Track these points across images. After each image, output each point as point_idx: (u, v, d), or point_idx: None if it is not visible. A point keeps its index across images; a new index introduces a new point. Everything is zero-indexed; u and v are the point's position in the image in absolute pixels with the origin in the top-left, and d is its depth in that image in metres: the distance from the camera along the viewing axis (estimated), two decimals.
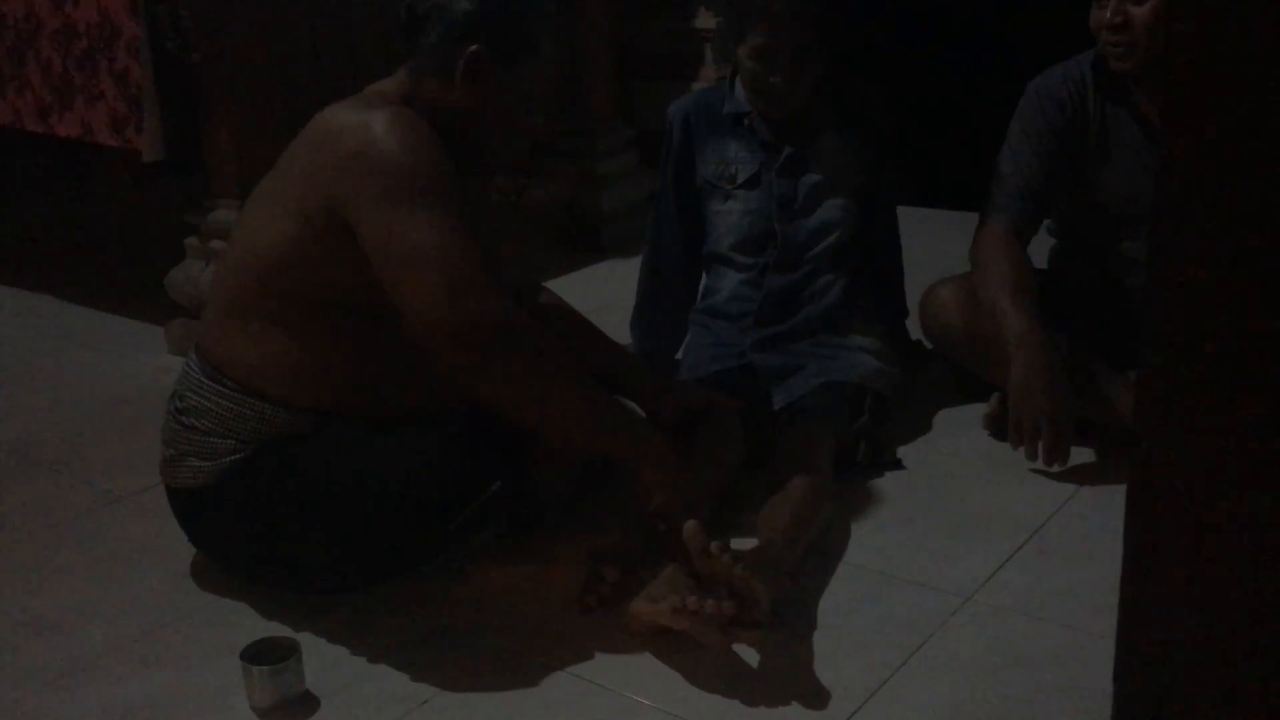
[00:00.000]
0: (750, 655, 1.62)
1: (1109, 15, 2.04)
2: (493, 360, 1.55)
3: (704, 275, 2.42)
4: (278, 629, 1.70)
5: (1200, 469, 0.89)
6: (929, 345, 2.40)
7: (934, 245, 2.86)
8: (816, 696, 1.54)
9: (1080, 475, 2.06)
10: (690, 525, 1.59)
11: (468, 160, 1.72)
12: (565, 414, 1.64)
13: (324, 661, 1.64)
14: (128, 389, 2.63)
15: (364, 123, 1.62)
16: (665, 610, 1.57)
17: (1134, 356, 1.24)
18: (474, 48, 1.68)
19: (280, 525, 1.69)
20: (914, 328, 2.43)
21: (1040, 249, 2.33)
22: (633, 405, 2.03)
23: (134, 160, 2.73)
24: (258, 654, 1.57)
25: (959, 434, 2.25)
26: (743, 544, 1.69)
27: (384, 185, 1.57)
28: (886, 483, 2.08)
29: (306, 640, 1.65)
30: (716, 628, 1.54)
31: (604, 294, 2.89)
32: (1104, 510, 1.92)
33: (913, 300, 2.40)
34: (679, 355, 2.37)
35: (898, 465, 2.13)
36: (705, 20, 3.62)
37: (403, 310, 1.57)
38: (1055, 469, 2.05)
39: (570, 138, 3.44)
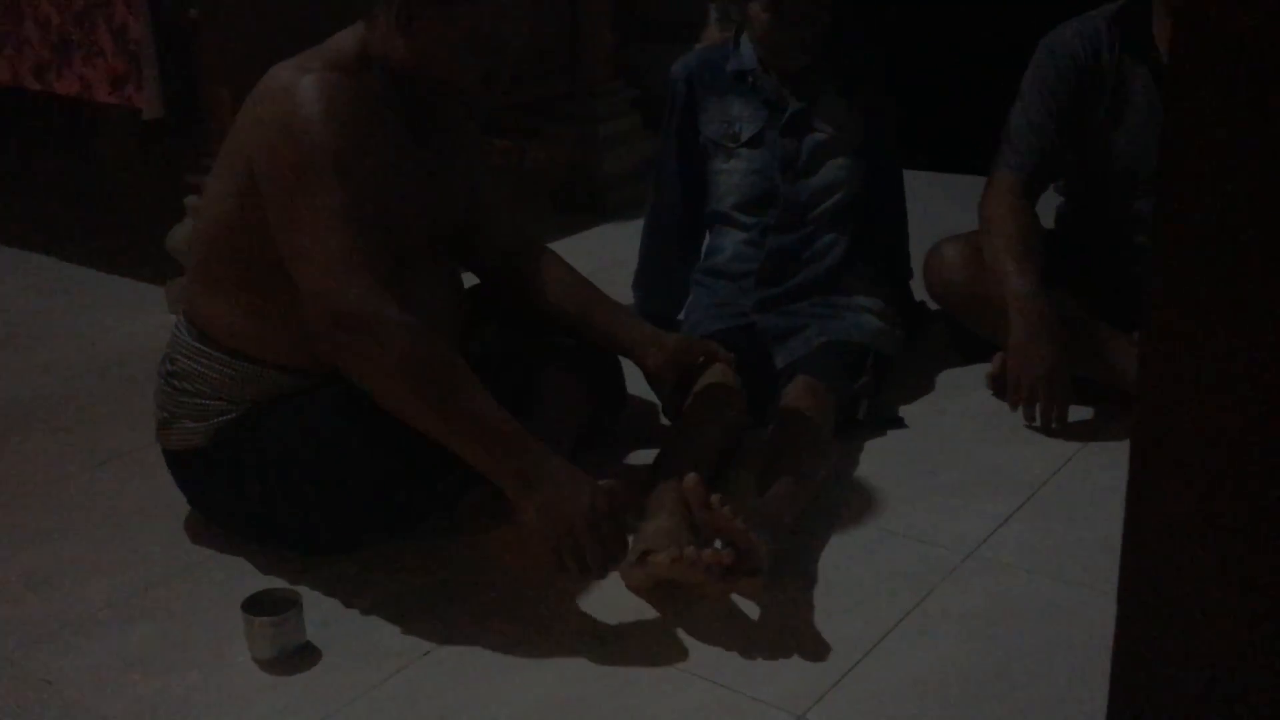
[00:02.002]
0: (750, 609, 1.62)
1: None
2: (350, 349, 1.57)
3: (706, 235, 2.40)
4: (276, 584, 1.70)
5: (1203, 427, 0.88)
6: (933, 305, 2.39)
7: (941, 208, 2.84)
8: (816, 650, 1.54)
9: (1082, 434, 2.05)
10: (691, 478, 1.59)
11: (435, 106, 1.71)
12: (417, 415, 1.57)
13: (324, 615, 1.64)
14: (128, 348, 2.63)
15: (288, 88, 1.62)
16: (664, 561, 1.56)
17: (1140, 317, 1.23)
18: None
19: (272, 485, 1.70)
20: (918, 290, 2.42)
21: (1048, 207, 2.32)
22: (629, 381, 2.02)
23: (136, 119, 2.71)
24: (258, 605, 1.57)
25: (961, 394, 2.24)
26: (744, 499, 1.69)
27: (286, 164, 1.59)
28: (888, 440, 2.08)
29: (305, 595, 1.65)
30: (716, 576, 1.54)
31: (605, 256, 2.88)
32: (1106, 469, 1.92)
33: (917, 264, 2.39)
34: (681, 315, 2.36)
35: (899, 424, 2.13)
36: None
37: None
38: (1054, 427, 2.05)
39: (571, 100, 3.41)
